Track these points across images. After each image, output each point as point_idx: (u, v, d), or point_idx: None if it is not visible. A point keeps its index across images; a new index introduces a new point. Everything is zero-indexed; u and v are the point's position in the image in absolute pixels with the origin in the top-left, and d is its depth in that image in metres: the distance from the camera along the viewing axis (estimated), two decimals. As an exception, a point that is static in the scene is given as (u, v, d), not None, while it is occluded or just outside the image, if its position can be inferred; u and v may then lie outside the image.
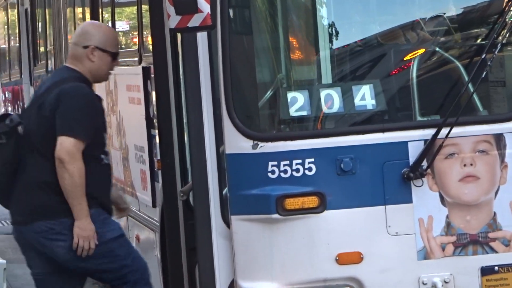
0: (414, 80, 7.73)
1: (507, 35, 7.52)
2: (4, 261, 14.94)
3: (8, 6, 20.94)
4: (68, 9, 15.22)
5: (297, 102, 7.58)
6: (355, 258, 7.54)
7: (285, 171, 7.48)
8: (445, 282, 7.54)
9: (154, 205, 10.25)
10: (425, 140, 7.48)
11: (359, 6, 8.08)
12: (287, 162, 7.47)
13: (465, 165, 7.55)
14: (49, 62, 16.69)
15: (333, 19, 7.89)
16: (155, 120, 10.02)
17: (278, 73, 7.79)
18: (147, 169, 10.36)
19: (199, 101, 7.74)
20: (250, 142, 7.49)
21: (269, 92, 7.73)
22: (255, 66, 7.69)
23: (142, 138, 10.47)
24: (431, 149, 7.46)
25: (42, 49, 17.37)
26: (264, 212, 7.51)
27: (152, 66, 10.07)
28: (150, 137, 10.26)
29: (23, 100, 19.05)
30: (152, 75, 10.09)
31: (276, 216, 7.45)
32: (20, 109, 19.67)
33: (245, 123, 7.51)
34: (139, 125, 10.58)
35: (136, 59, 10.64)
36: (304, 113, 7.62)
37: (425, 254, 7.61)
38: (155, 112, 9.88)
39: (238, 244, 7.65)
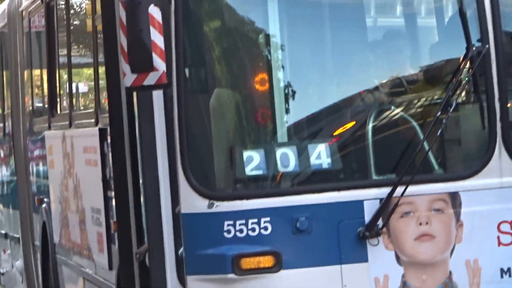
0: (370, 139, 7.69)
1: (461, 95, 7.49)
2: None
3: None
4: (25, 71, 15.09)
5: (253, 161, 7.53)
6: None
7: (241, 231, 7.40)
8: None
9: (110, 268, 10.10)
10: (381, 199, 7.45)
11: (316, 67, 8.06)
12: (243, 221, 7.40)
13: (420, 224, 7.50)
14: (6, 124, 16.62)
15: (289, 79, 7.87)
16: (111, 182, 9.92)
17: (234, 132, 7.76)
18: (104, 231, 10.23)
19: (154, 160, 7.68)
20: (205, 202, 7.43)
21: (224, 151, 7.65)
22: (211, 124, 7.64)
23: (98, 200, 10.37)
24: (386, 207, 7.43)
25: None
26: (220, 272, 7.43)
27: (108, 128, 9.98)
28: (107, 199, 10.15)
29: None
30: (109, 137, 9.95)
31: (232, 276, 7.37)
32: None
33: (201, 182, 7.45)
34: (95, 187, 10.46)
35: (93, 120, 10.54)
36: (259, 172, 7.55)
37: None
38: (112, 174, 9.83)
39: None
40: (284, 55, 7.92)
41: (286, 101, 7.82)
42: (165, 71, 7.08)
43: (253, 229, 7.38)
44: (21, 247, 16.05)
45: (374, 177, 7.66)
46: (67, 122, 11.91)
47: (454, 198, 7.50)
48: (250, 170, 7.53)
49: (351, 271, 7.49)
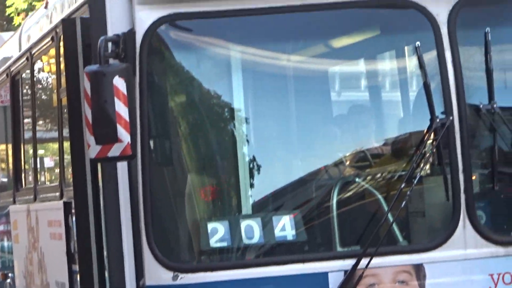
0: (335, 212, 7.65)
1: (425, 167, 7.48)
2: None
3: None
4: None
5: (217, 233, 7.46)
6: None
7: None
8: None
9: None
10: (345, 271, 7.38)
11: (280, 140, 8.03)
12: None
13: None
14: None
15: (253, 152, 7.83)
16: (76, 256, 9.71)
17: (198, 204, 7.66)
18: None
19: (119, 232, 7.62)
20: (170, 274, 7.34)
21: (189, 223, 7.61)
22: (176, 197, 7.60)
23: (63, 274, 10.21)
24: (351, 280, 7.36)
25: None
26: None
27: (73, 201, 9.89)
28: (71, 273, 10.00)
29: None
30: (73, 210, 9.83)
31: None
32: None
33: (165, 254, 7.38)
34: (60, 261, 10.31)
35: (58, 194, 10.41)
36: (224, 244, 7.48)
37: None
38: (76, 247, 9.68)
39: None
40: (249, 128, 7.89)
41: (251, 174, 7.73)
42: (130, 142, 6.97)
43: None
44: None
45: (339, 249, 7.59)
46: (32, 196, 11.79)
47: (419, 270, 7.43)
48: (215, 242, 7.45)
49: None
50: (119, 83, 6.96)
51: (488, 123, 7.48)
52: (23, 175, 13.04)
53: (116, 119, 6.98)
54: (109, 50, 7.22)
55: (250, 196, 7.76)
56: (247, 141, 7.84)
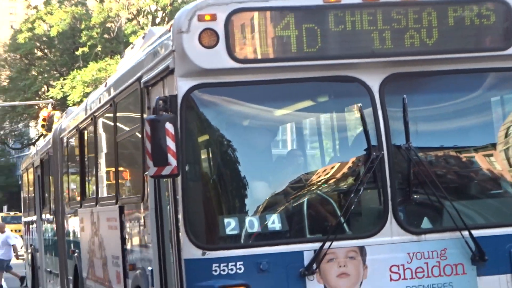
0: (306, 212, 6.80)
1: (365, 183, 6.72)
2: None
3: (28, 172, 19.57)
4: (64, 176, 13.93)
5: (230, 225, 6.61)
6: None
7: (224, 270, 6.44)
8: None
9: None
10: (315, 250, 6.50)
11: (269, 170, 7.31)
12: (225, 264, 6.45)
13: (340, 266, 6.57)
14: (52, 206, 15.33)
15: (253, 175, 7.01)
16: (126, 239, 8.95)
17: (217, 206, 6.84)
18: (121, 271, 9.07)
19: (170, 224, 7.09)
20: (200, 251, 6.47)
21: (211, 218, 6.76)
22: (202, 201, 6.76)
23: (117, 250, 9.23)
24: (318, 256, 6.49)
25: (47, 200, 16.07)
26: None
27: (124, 205, 9.04)
28: (123, 250, 9.02)
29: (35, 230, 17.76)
30: (124, 211, 9.04)
31: None
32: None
33: (196, 238, 6.51)
34: (115, 242, 9.31)
35: (114, 201, 9.44)
36: (235, 232, 6.62)
37: None
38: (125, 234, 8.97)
39: None
40: (244, 160, 6.97)
41: (251, 188, 6.93)
42: (176, 165, 6.23)
43: (232, 269, 6.45)
44: (59, 280, 14.76)
45: (309, 236, 6.76)
46: (94, 203, 10.75)
47: (362, 250, 6.60)
48: (229, 230, 6.62)
49: None
50: (168, 126, 6.26)
51: (406, 156, 6.70)
52: (86, 190, 11.94)
53: (167, 150, 6.22)
54: (161, 106, 6.45)
55: (251, 202, 6.90)
56: (244, 166, 6.92)
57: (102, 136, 10.67)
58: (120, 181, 9.41)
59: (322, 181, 6.96)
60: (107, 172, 10.52)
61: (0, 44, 61.72)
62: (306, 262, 6.49)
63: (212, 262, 6.42)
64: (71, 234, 13.28)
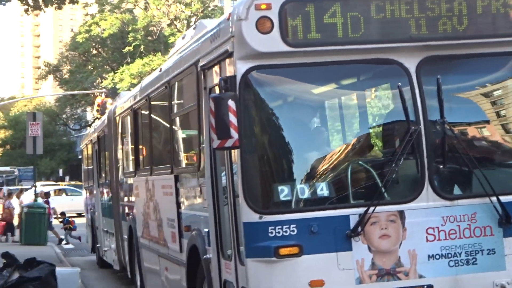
0: (350, 180, 6.23)
1: (404, 154, 6.10)
2: (78, 268, 13.59)
3: (87, 147, 19.16)
4: (117, 149, 13.51)
5: (284, 192, 6.05)
6: (320, 283, 5.94)
7: (278, 232, 5.91)
8: None
9: (181, 251, 8.42)
10: (359, 214, 5.97)
11: (317, 139, 6.63)
12: (280, 227, 5.91)
13: (382, 229, 6.04)
14: (107, 176, 14.91)
15: (304, 147, 6.46)
16: (181, 204, 8.41)
17: (273, 176, 6.24)
18: (176, 232, 8.57)
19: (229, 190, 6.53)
20: (257, 215, 5.94)
21: (267, 186, 6.17)
22: (259, 172, 6.16)
23: (172, 213, 8.69)
24: (363, 219, 5.96)
25: (104, 171, 15.59)
26: (267, 256, 5.92)
27: (179, 175, 8.50)
28: (178, 213, 8.49)
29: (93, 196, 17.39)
30: (180, 179, 8.50)
31: (274, 258, 5.87)
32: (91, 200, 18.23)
33: (254, 204, 5.97)
34: (170, 207, 8.76)
35: (169, 171, 8.84)
36: (288, 198, 6.06)
37: (360, 281, 6.01)
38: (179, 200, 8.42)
39: (250, 275, 6.04)
40: (295, 133, 6.45)
41: (302, 159, 6.36)
42: (238, 138, 5.73)
43: (286, 231, 5.91)
44: (114, 238, 14.27)
45: (354, 202, 6.19)
46: (148, 172, 10.19)
47: (401, 214, 6.06)
48: (282, 197, 6.06)
49: (343, 256, 6.00)
50: (230, 103, 5.73)
51: (440, 129, 6.18)
52: (140, 162, 11.34)
53: (229, 125, 5.71)
54: (223, 86, 5.96)
55: (301, 171, 6.31)
56: (296, 139, 6.38)
57: (157, 114, 10.13)
58: (174, 153, 8.80)
59: (365, 152, 6.43)
60: (162, 145, 9.99)
61: (62, 44, 63.64)
62: (352, 225, 5.96)
63: (268, 225, 5.88)
64: (125, 199, 12.77)
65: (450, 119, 6.14)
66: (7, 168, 60.07)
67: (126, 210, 12.60)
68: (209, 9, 50.60)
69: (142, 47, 49.81)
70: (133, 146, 11.99)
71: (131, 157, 12.41)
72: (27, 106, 72.53)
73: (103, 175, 15.58)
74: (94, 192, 17.16)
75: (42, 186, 41.56)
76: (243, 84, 5.97)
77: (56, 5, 19.36)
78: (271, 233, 5.88)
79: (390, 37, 6.18)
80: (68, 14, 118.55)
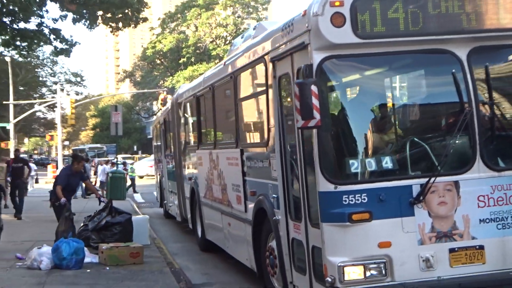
0: (413, 154, 5.28)
1: (459, 131, 5.15)
2: (148, 216, 12.95)
3: (156, 128, 18.35)
4: (180, 128, 12.55)
5: (355, 165, 5.15)
6: (387, 244, 5.06)
7: (352, 200, 5.02)
8: (432, 256, 5.11)
9: (245, 211, 7.54)
10: (421, 184, 5.09)
11: (387, 117, 5.55)
12: (353, 196, 5.03)
13: (440, 197, 5.15)
14: (172, 150, 14.02)
15: (369, 126, 5.39)
16: (246, 173, 7.45)
17: (345, 150, 5.29)
18: (242, 195, 7.67)
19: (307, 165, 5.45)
20: (332, 186, 5.04)
21: (340, 160, 5.23)
22: (333, 148, 5.21)
23: (238, 180, 7.77)
24: (425, 189, 5.07)
25: (168, 145, 14.66)
26: (341, 221, 5.02)
27: (244, 149, 7.55)
28: (244, 181, 7.56)
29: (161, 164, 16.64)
30: (245, 153, 7.53)
31: (347, 223, 4.99)
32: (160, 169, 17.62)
33: (330, 176, 5.07)
34: (236, 174, 7.82)
35: (235, 145, 7.95)
36: (358, 170, 5.15)
37: (421, 242, 5.13)
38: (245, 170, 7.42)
39: (326, 237, 5.12)
40: (364, 114, 5.47)
41: (370, 135, 5.36)
42: (320, 119, 4.80)
43: (358, 199, 5.02)
44: (177, 197, 13.43)
45: (416, 173, 5.23)
46: (212, 146, 9.26)
47: (456, 184, 5.18)
48: (353, 169, 5.15)
49: (406, 221, 5.10)
50: (313, 88, 4.79)
51: (490, 110, 5.27)
52: (203, 137, 10.41)
53: (313, 107, 4.77)
54: (301, 73, 5.14)
55: (370, 147, 5.36)
56: (364, 120, 5.44)
57: (221, 100, 9.13)
58: (240, 131, 7.86)
59: (425, 130, 5.47)
60: (225, 124, 9.03)
61: (135, 56, 73.32)
62: (414, 194, 5.06)
63: (343, 194, 5.00)
64: (188, 167, 11.85)
65: (497, 100, 5.25)
66: (98, 145, 63.47)
67: (189, 176, 11.72)
68: (240, 30, 52.22)
69: (192, 58, 52.47)
70: (195, 125, 11.05)
71: (192, 134, 11.52)
72: (110, 101, 76.67)
73: (168, 148, 14.68)
74: (162, 162, 16.29)
75: (122, 158, 44.00)
76: (318, 71, 5.04)
77: (133, 25, 19.98)
78: (345, 201, 5.00)
79: (445, 30, 5.21)
80: (139, 34, 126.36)
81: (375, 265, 4.98)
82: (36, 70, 54.30)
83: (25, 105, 48.56)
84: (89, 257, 8.98)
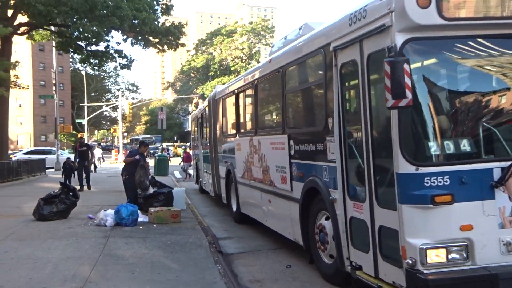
0: (496, 138, 3.96)
1: None
2: (184, 188, 12.11)
3: (193, 122, 16.90)
4: (216, 120, 11.05)
5: (435, 147, 3.81)
6: (469, 227, 3.75)
7: (434, 182, 3.71)
8: None
9: (291, 190, 6.19)
10: (502, 168, 3.77)
11: (455, 103, 4.11)
12: (435, 178, 3.72)
13: None
14: (207, 140, 12.63)
15: (448, 110, 4.00)
16: (294, 156, 6.05)
17: (424, 133, 3.89)
18: (288, 176, 6.31)
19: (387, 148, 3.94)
20: (413, 167, 3.73)
21: (419, 144, 3.87)
22: (414, 131, 3.86)
23: (284, 162, 6.40)
24: (508, 172, 3.75)
25: (205, 135, 13.18)
26: (423, 203, 3.70)
27: (292, 134, 6.14)
28: (290, 163, 6.21)
29: (197, 150, 15.33)
30: (292, 138, 6.11)
31: (430, 205, 3.67)
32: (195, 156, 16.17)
33: (411, 157, 3.75)
34: (282, 158, 6.45)
35: (281, 131, 6.56)
36: (437, 153, 3.82)
37: (502, 226, 3.81)
38: (292, 151, 5.99)
39: (406, 219, 3.77)
40: (447, 96, 4.03)
41: (454, 119, 3.96)
42: (411, 98, 3.48)
43: (440, 182, 3.72)
44: (211, 176, 11.99)
45: (497, 157, 3.88)
46: (253, 133, 7.87)
47: None
48: (432, 152, 3.81)
49: (487, 203, 3.79)
50: (406, 67, 3.48)
51: None
52: (242, 127, 8.95)
53: (405, 86, 3.45)
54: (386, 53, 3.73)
55: (449, 130, 3.93)
56: (447, 102, 4.00)
57: (265, 93, 7.67)
58: (287, 119, 6.45)
59: (505, 115, 4.08)
60: (269, 114, 7.61)
61: (176, 71, 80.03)
62: (495, 177, 3.74)
63: (424, 176, 3.69)
64: (224, 152, 10.40)
65: None
66: (148, 136, 66.76)
67: (224, 159, 10.31)
68: (252, 51, 56.14)
69: (217, 72, 55.91)
70: (234, 117, 9.60)
71: (230, 124, 10.10)
72: (157, 104, 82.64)
73: (205, 137, 13.26)
74: (198, 148, 14.89)
75: (166, 145, 49.82)
76: (402, 52, 3.69)
77: (174, 48, 22.75)
78: (427, 183, 3.68)
79: None
80: (179, 55, 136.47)
81: (457, 248, 3.67)
82: (104, 80, 61.93)
83: (95, 107, 54.04)
84: (142, 218, 9.05)
